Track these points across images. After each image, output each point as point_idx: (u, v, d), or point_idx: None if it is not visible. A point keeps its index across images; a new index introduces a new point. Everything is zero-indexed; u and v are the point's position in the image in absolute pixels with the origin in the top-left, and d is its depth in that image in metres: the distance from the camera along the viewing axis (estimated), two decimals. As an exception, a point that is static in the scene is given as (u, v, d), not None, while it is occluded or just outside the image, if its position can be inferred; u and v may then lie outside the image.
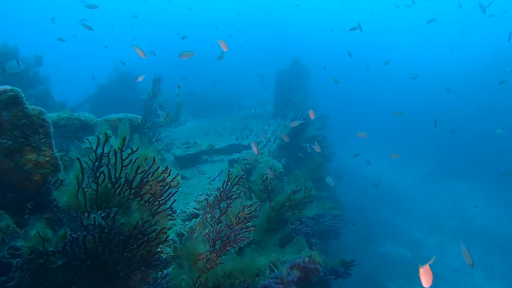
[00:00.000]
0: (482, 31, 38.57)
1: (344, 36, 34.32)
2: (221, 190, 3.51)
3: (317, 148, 6.91)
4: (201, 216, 5.08)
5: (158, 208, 2.88)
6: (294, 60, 16.24)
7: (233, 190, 3.66)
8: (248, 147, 10.97)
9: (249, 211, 3.35)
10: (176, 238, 4.39)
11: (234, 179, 3.77)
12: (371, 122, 37.09)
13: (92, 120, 6.23)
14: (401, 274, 16.13)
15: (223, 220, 3.31)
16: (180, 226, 4.71)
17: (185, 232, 4.55)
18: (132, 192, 2.67)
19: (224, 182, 3.67)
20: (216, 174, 9.15)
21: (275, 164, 6.93)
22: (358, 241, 17.87)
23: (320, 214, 6.25)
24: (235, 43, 29.95)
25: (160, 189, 2.87)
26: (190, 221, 5.02)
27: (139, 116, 7.78)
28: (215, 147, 11.31)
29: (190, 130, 15.49)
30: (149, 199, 2.85)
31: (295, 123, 8.29)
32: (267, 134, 12.05)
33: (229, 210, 3.34)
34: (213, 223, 3.28)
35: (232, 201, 3.46)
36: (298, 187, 5.39)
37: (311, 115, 7.70)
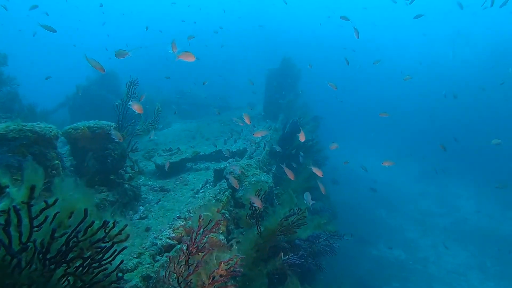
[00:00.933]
0: (480, 24, 37.91)
1: (336, 33, 33.47)
2: (189, 243, 2.62)
3: (318, 172, 6.05)
4: (175, 250, 4.18)
5: (95, 276, 1.98)
6: (285, 59, 15.32)
7: (205, 240, 2.75)
8: (237, 154, 10.09)
9: (228, 267, 2.49)
10: (140, 284, 3.49)
11: (208, 224, 2.87)
12: (364, 121, 36.49)
13: (51, 132, 5.26)
14: (396, 277, 15.57)
15: (192, 281, 2.44)
16: (148, 265, 3.80)
17: (153, 274, 3.64)
18: (49, 262, 1.78)
19: (193, 232, 2.74)
20: (201, 185, 8.25)
21: (263, 180, 6.06)
22: (351, 244, 17.19)
23: (315, 235, 5.42)
24: (219, 40, 28.93)
25: (97, 251, 1.97)
26: (161, 256, 4.11)
27: (112, 124, 6.83)
28: (201, 154, 10.39)
29: (177, 133, 14.52)
30: (81, 265, 1.95)
31: (260, 133, 7.31)
32: (256, 141, 11.16)
33: (201, 267, 2.48)
34: (179, 285, 2.41)
35: (205, 254, 2.58)
36: (292, 210, 4.53)
37: (301, 137, 6.88)
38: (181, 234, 4.50)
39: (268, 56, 26.34)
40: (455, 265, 16.31)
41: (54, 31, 6.33)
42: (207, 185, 8.40)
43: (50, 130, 5.31)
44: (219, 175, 8.31)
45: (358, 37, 9.43)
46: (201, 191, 7.97)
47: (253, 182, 6.07)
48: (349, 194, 23.97)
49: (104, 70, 5.33)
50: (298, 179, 8.88)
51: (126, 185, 6.70)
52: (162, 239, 4.35)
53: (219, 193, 6.68)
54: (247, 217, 4.32)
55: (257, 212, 4.40)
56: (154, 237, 4.41)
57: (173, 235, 4.45)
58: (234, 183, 5.16)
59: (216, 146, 10.66)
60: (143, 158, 9.89)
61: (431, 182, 27.39)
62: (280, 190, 8.46)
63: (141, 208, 7.20)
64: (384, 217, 22.60)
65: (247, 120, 8.02)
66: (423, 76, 34.69)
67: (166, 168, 8.11)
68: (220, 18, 35.26)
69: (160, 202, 7.43)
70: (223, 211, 5.47)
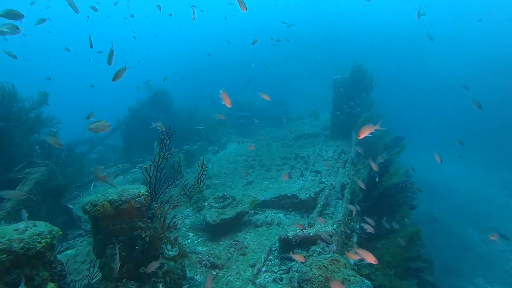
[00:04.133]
0: None
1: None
2: None
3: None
4: None
5: None
6: (356, 66, 12.50)
7: None
8: (307, 204, 7.73)
9: None
10: None
11: None
12: (443, 121, 31.63)
13: (40, 242, 3.43)
14: (502, 324, 12.20)
15: None
16: None
17: None
18: None
19: None
20: (263, 259, 6.08)
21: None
22: (439, 273, 13.95)
23: None
24: (275, 50, 26.38)
25: None
26: None
27: (142, 191, 4.92)
28: (262, 199, 8.25)
29: (232, 158, 12.57)
30: None
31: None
32: (330, 176, 8.73)
33: None
34: None
35: None
36: None
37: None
38: None
39: (335, 61, 23.30)
40: None
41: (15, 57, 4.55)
42: (271, 256, 6.22)
43: (39, 239, 3.47)
44: (286, 245, 6.09)
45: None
46: (263, 269, 5.81)
47: (345, 302, 3.74)
48: (430, 206, 20.20)
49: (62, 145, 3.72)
50: (392, 245, 6.35)
51: (161, 285, 4.74)
52: None
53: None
54: None
55: None
56: None
57: None
58: None
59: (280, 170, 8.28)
60: (192, 209, 7.99)
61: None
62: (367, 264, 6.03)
63: (184, 302, 5.23)
64: (476, 240, 18.63)
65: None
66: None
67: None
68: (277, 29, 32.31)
69: (209, 291, 5.39)
70: None
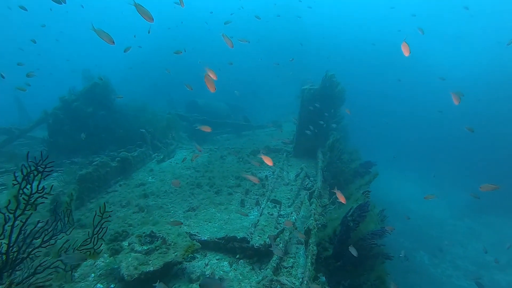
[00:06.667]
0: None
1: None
2: None
3: None
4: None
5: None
6: (327, 77, 10.87)
7: None
8: (260, 251, 5.84)
9: None
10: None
11: None
12: (398, 140, 31.42)
13: None
14: None
15: None
16: None
17: None
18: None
19: None
20: None
21: None
22: None
23: None
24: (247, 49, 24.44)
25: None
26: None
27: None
28: (203, 238, 6.25)
29: (177, 171, 10.42)
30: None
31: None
32: (291, 213, 6.93)
33: None
34: None
35: None
36: None
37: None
38: None
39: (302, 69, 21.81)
40: None
41: None
42: None
43: None
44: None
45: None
46: None
47: None
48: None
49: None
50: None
51: None
52: None
53: None
54: None
55: None
56: None
57: None
58: None
59: (233, 194, 6.13)
60: (107, 249, 5.80)
61: (480, 220, 22.52)
62: None
63: None
64: (426, 263, 18.15)
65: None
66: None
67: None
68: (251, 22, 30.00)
69: None
70: None
